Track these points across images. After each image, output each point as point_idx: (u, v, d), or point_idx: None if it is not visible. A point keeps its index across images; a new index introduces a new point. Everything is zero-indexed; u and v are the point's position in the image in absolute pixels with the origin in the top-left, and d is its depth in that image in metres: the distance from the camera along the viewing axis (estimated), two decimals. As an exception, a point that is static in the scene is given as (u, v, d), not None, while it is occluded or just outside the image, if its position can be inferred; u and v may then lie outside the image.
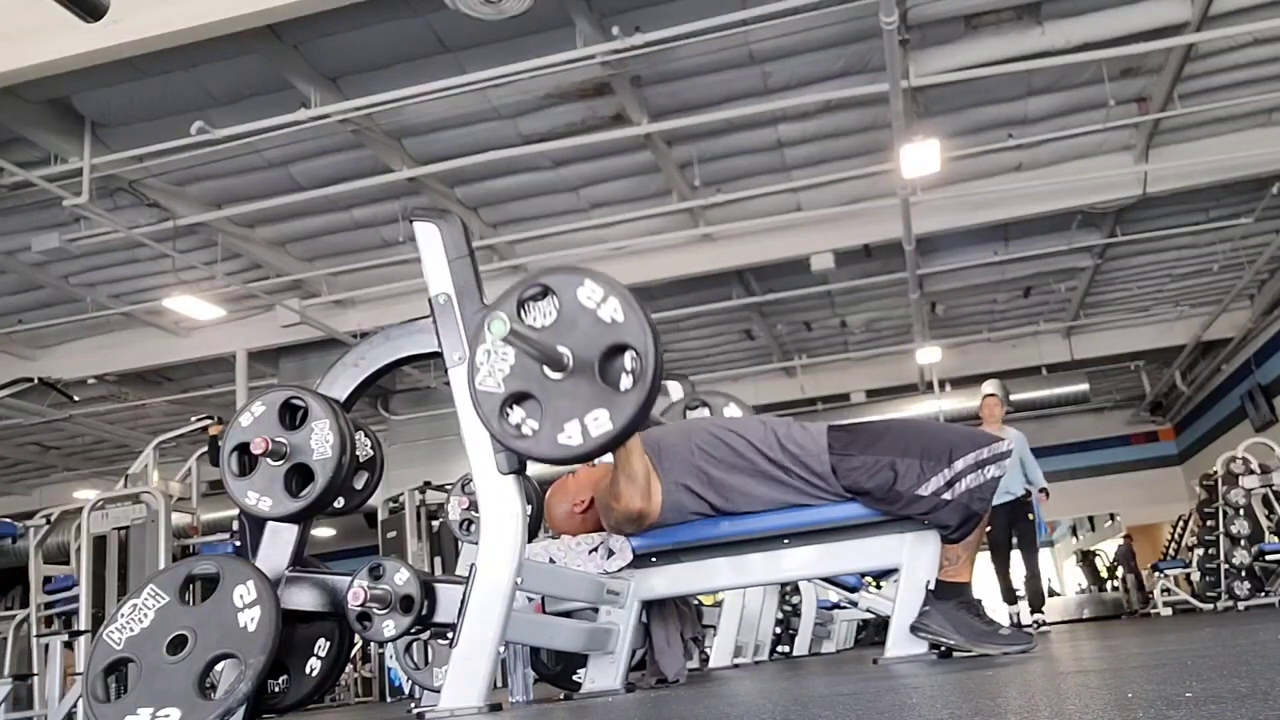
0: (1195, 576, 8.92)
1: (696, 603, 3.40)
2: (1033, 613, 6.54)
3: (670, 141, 7.21)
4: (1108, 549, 15.30)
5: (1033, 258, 9.49)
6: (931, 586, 2.28)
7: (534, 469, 2.41)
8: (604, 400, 1.76)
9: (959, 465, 2.24)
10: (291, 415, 1.98)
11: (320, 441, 1.92)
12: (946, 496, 2.23)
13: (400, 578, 1.87)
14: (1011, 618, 6.61)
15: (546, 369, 1.79)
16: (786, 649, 5.38)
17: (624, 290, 1.80)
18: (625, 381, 1.76)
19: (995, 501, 6.20)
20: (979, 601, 2.34)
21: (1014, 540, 6.62)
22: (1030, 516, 6.52)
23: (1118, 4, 6.09)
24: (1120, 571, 14.36)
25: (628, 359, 1.77)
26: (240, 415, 1.98)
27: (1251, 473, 8.28)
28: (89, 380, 10.13)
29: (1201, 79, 7.01)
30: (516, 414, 1.83)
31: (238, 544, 5.99)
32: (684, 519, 2.39)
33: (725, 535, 2.40)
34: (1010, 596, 6.76)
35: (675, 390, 3.42)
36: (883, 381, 12.33)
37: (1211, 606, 8.14)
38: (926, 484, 2.23)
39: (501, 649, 2.00)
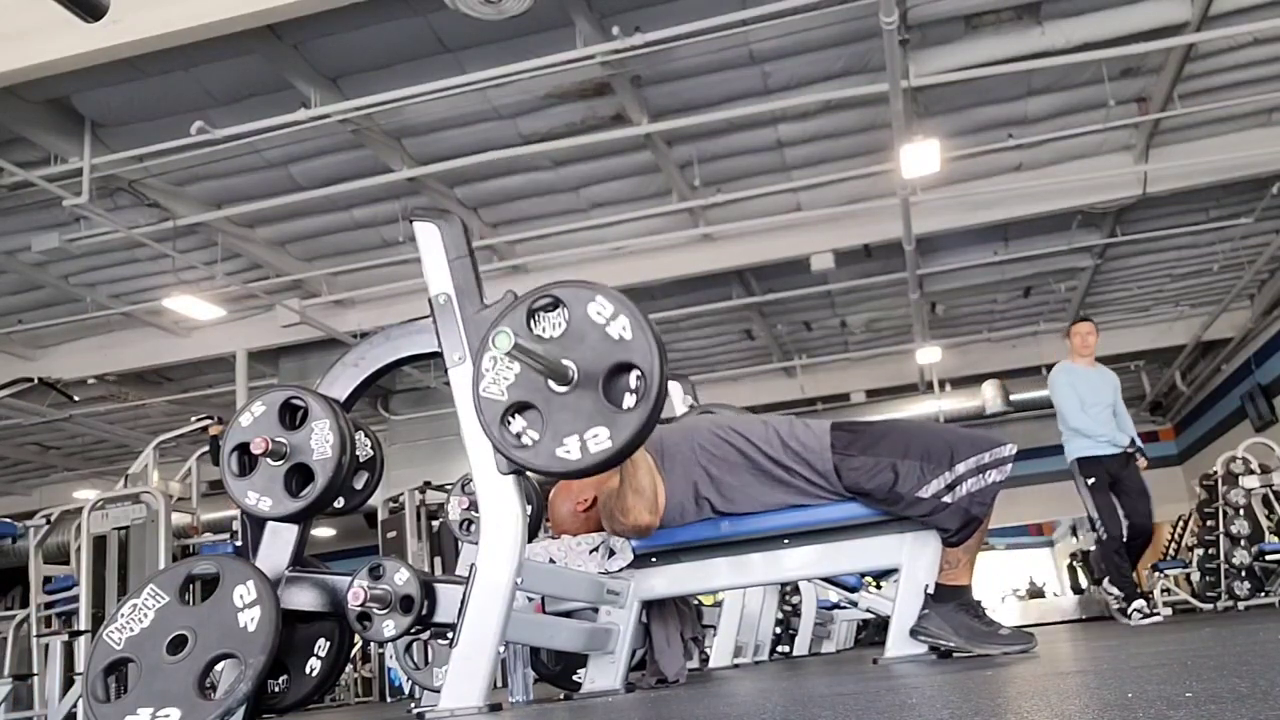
0: (1195, 576, 8.92)
1: (696, 603, 3.40)
2: (1128, 597, 5.25)
3: (670, 141, 7.21)
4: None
5: (1033, 258, 9.49)
6: (931, 590, 2.28)
7: (534, 469, 2.41)
8: (605, 418, 1.76)
9: (960, 468, 2.24)
10: (291, 415, 1.98)
11: (320, 441, 1.92)
12: (947, 499, 2.23)
13: (400, 578, 1.87)
14: (1133, 608, 5.23)
15: (551, 381, 1.79)
16: (786, 649, 5.38)
17: (634, 308, 1.79)
18: (628, 400, 1.76)
19: (1097, 452, 5.27)
20: (979, 603, 2.33)
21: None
22: (1140, 468, 5.39)
23: (1118, 4, 6.09)
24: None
25: (633, 378, 1.77)
26: (240, 415, 1.98)
27: (1251, 473, 8.28)
28: (89, 380, 10.13)
29: (1201, 79, 7.01)
30: (518, 423, 1.82)
31: (238, 544, 5.99)
32: (686, 520, 2.39)
33: (725, 535, 2.40)
34: (1130, 584, 5.39)
35: (675, 390, 3.40)
36: (883, 381, 12.33)
37: (1211, 606, 8.13)
38: (927, 486, 2.23)
39: (501, 649, 2.00)
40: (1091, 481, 5.32)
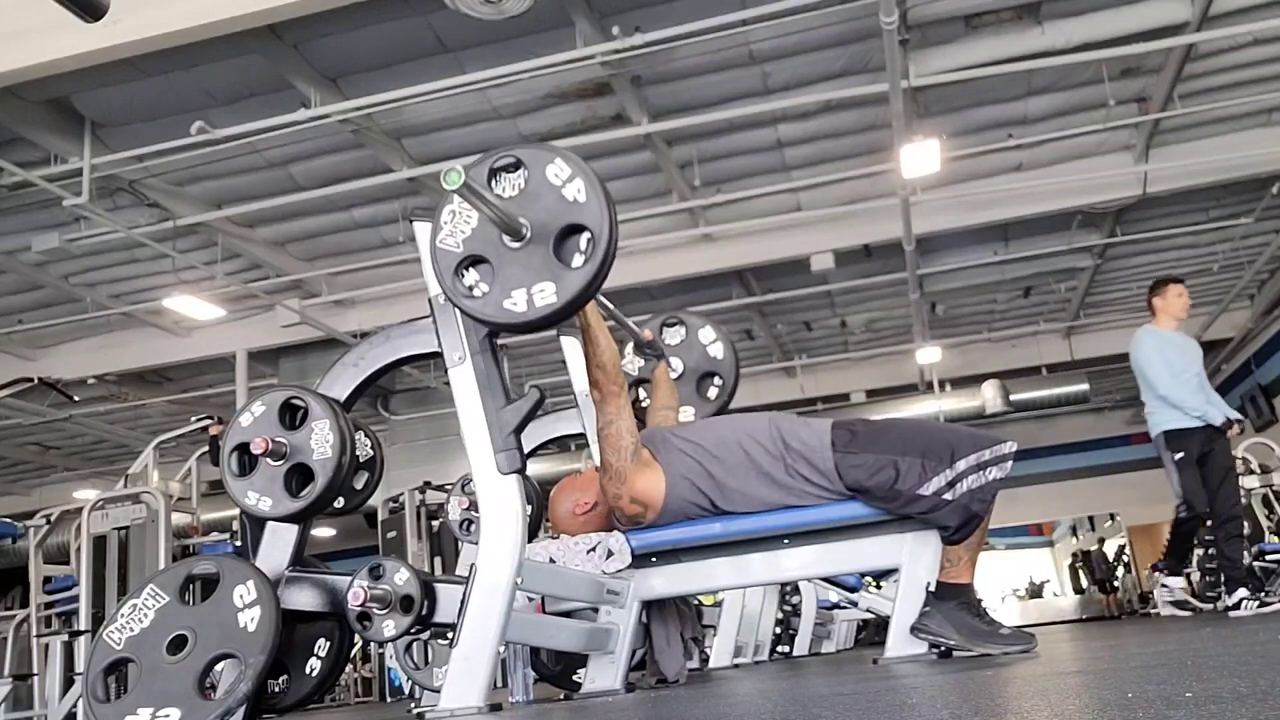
0: (1195, 576, 8.92)
1: (696, 603, 3.40)
2: (1230, 586, 4.84)
3: (670, 141, 7.21)
4: (1107, 550, 15.33)
5: (1033, 258, 9.49)
6: (932, 588, 2.28)
7: (534, 469, 2.42)
8: (553, 273, 1.83)
9: (961, 466, 2.24)
10: (291, 415, 1.98)
11: (320, 441, 1.92)
12: (947, 497, 2.23)
13: (400, 578, 1.87)
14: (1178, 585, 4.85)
15: (505, 237, 1.85)
16: (786, 649, 5.38)
17: (591, 174, 1.85)
18: (577, 260, 1.83)
19: (1187, 425, 4.69)
20: (979, 602, 2.34)
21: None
22: (1231, 436, 4.89)
23: (1118, 4, 6.09)
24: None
25: (583, 239, 1.83)
26: (240, 415, 1.98)
27: (1251, 473, 8.28)
28: (89, 380, 10.12)
29: (1201, 79, 7.01)
30: (470, 276, 1.89)
31: (238, 544, 5.99)
32: (686, 513, 2.39)
33: (725, 535, 2.40)
34: (1180, 564, 5.07)
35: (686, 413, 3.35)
36: (883, 381, 12.32)
37: (1211, 606, 8.13)
38: (928, 484, 2.23)
39: (501, 649, 2.00)
40: (1180, 456, 4.80)
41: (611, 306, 2.69)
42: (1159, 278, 5.22)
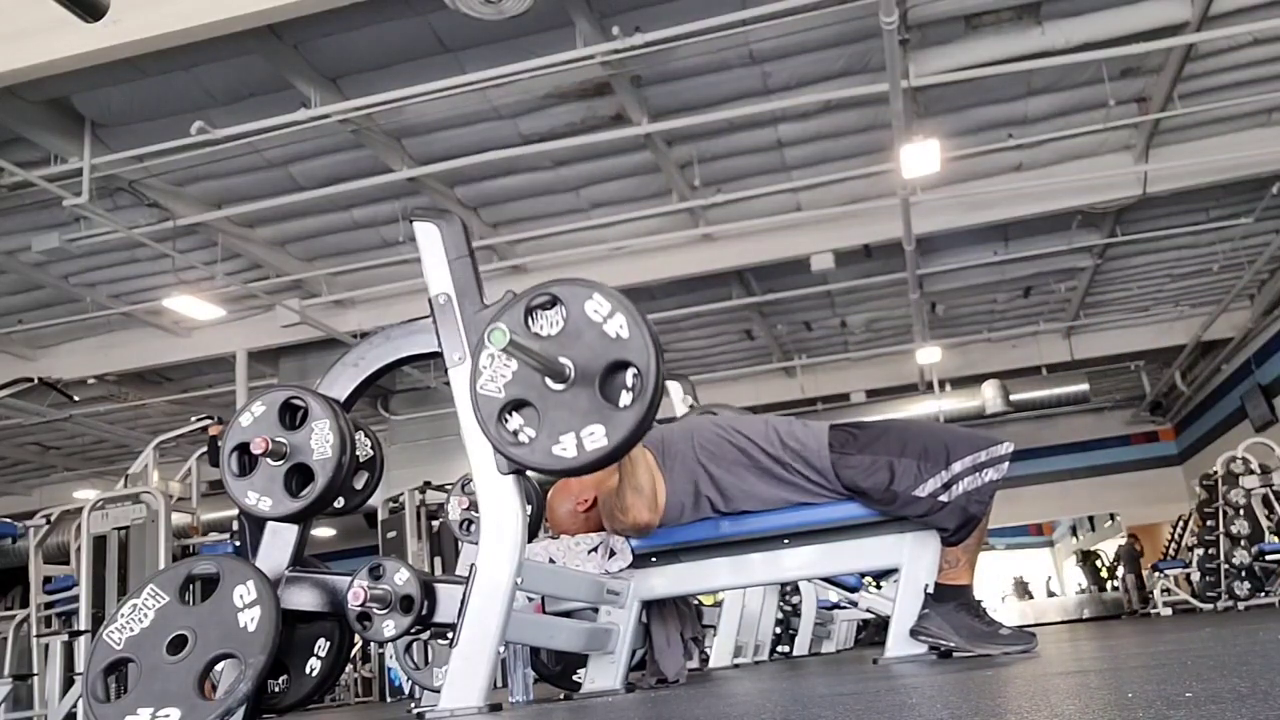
0: (1195, 576, 8.93)
1: (696, 603, 3.40)
2: None
3: (670, 141, 7.21)
4: (1108, 549, 15.33)
5: (1033, 258, 9.49)
6: (930, 589, 2.28)
7: (534, 469, 2.41)
8: (602, 415, 1.76)
9: (956, 467, 2.24)
10: (291, 415, 1.97)
11: (320, 441, 1.92)
12: (943, 498, 2.23)
13: (400, 578, 1.87)
14: None
15: (548, 379, 1.79)
16: (786, 649, 5.38)
17: (631, 306, 1.79)
18: (625, 398, 1.76)
19: None
20: (979, 602, 2.33)
21: None
22: None
23: (1118, 4, 6.09)
24: (1120, 571, 14.42)
25: (629, 376, 1.76)
26: (240, 415, 1.98)
27: (1251, 473, 8.29)
28: (89, 380, 10.13)
29: (1201, 79, 7.01)
30: (514, 420, 1.83)
31: (238, 544, 5.99)
32: (686, 519, 2.39)
33: (725, 535, 2.40)
34: None
35: (675, 390, 3.40)
36: (883, 381, 12.33)
37: (1211, 606, 8.14)
38: (923, 485, 2.23)
39: (501, 649, 2.00)
40: None
41: None
42: None
